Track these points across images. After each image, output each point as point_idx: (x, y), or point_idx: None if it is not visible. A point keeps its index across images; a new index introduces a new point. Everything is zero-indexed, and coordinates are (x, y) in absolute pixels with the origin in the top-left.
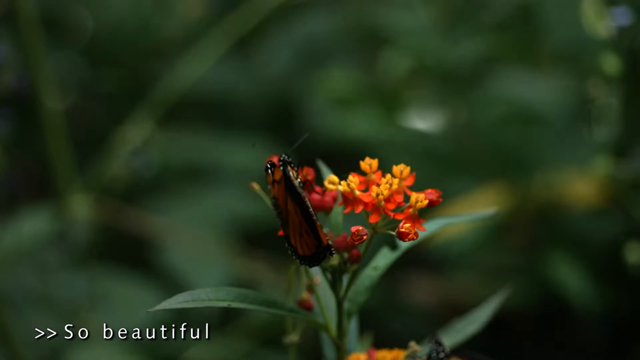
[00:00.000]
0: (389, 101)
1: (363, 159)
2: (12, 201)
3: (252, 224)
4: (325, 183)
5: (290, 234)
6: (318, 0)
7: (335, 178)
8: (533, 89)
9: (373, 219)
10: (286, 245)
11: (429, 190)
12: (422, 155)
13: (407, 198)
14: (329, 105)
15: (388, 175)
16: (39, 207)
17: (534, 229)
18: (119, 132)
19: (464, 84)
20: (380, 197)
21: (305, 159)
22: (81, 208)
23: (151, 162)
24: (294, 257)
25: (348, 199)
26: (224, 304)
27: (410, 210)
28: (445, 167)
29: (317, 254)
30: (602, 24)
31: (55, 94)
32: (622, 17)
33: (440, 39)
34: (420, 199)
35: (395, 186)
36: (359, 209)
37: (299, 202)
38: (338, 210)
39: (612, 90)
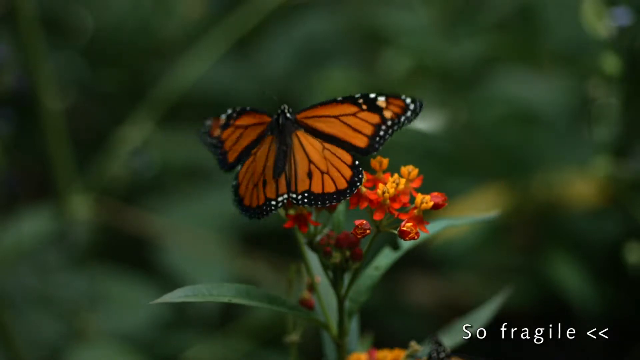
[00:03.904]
0: None
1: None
2: (12, 201)
3: (252, 223)
4: None
5: (245, 182)
6: (318, 0)
7: None
8: (533, 89)
9: (377, 216)
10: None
11: (435, 194)
12: (422, 155)
13: (412, 200)
14: None
15: (395, 175)
16: (39, 207)
17: (534, 229)
18: (119, 132)
19: (464, 84)
20: (387, 195)
21: None
22: (81, 208)
23: (151, 162)
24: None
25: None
26: (225, 300)
27: (415, 211)
28: (445, 167)
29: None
30: (602, 24)
31: (55, 94)
32: (622, 17)
33: (440, 39)
34: (425, 200)
35: (402, 186)
36: (364, 205)
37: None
38: (340, 209)
39: (612, 90)
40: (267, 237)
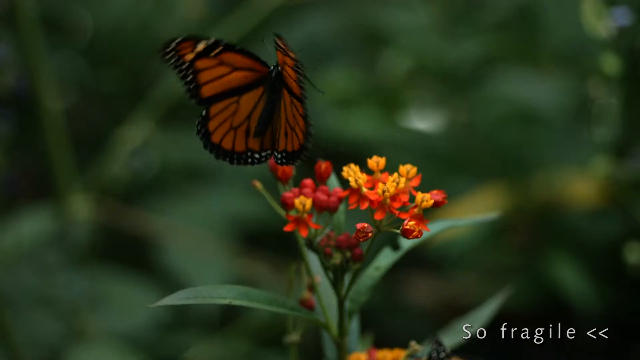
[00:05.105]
0: (389, 101)
1: (363, 159)
2: (12, 201)
3: (252, 223)
4: (345, 169)
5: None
6: (318, 0)
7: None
8: (533, 89)
9: (378, 215)
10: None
11: (435, 191)
12: (422, 155)
13: (412, 199)
14: (328, 105)
15: (395, 174)
16: (39, 207)
17: (534, 229)
18: (119, 132)
19: (464, 84)
20: (387, 194)
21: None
22: (81, 208)
23: (151, 162)
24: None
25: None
26: (225, 301)
27: (416, 209)
28: (445, 167)
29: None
30: (602, 24)
31: (55, 94)
32: (622, 17)
33: (440, 39)
34: (426, 198)
35: (401, 185)
36: (365, 205)
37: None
38: (341, 209)
39: (612, 90)
40: (267, 237)
